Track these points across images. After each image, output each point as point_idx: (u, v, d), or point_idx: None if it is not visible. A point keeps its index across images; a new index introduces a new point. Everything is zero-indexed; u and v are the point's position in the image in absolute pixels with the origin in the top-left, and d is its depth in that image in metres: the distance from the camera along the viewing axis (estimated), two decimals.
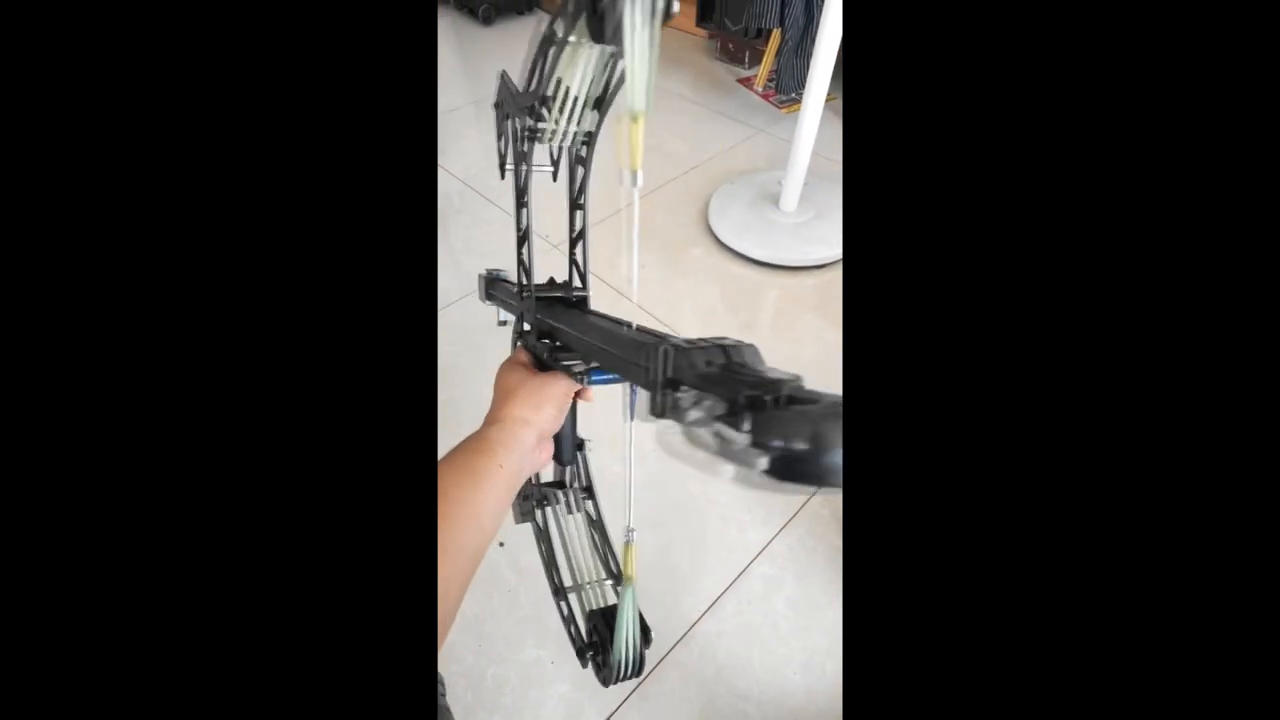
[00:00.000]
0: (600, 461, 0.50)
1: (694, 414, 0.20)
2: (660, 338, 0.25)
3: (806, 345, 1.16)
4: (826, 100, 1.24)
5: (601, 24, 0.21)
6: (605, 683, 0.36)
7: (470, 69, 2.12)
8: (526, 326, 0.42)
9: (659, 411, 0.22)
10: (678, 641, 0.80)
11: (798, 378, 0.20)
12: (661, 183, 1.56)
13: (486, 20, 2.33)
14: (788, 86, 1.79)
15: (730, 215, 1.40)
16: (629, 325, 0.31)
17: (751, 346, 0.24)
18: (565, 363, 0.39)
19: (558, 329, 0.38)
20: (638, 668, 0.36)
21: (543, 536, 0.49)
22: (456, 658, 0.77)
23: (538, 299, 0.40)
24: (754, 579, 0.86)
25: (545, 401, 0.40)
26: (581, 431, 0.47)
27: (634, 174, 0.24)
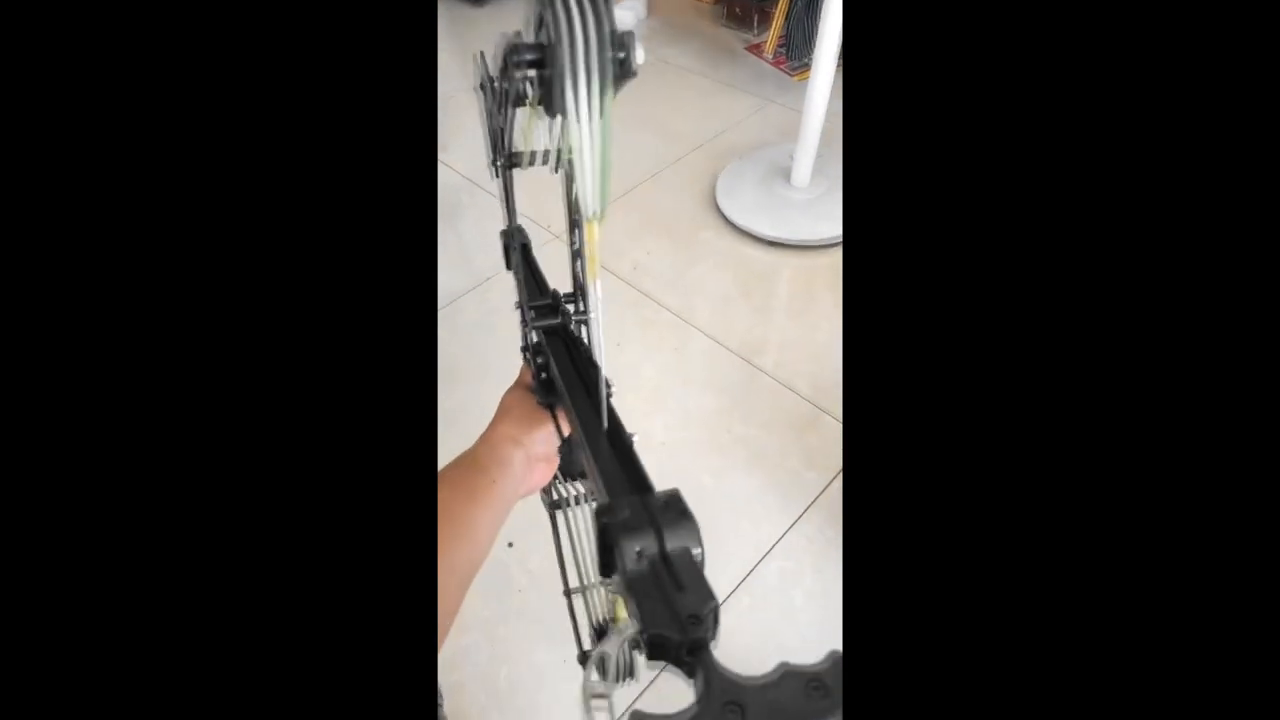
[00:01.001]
0: None
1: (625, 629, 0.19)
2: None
3: (822, 329, 1.12)
4: (839, 63, 1.17)
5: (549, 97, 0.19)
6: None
7: (464, 53, 2.07)
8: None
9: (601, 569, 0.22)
10: None
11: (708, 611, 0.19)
12: (665, 164, 1.51)
13: (477, 0, 2.22)
14: (800, 51, 1.70)
15: (740, 194, 1.35)
16: (598, 398, 0.30)
17: (691, 526, 0.22)
18: (548, 401, 0.38)
19: (549, 364, 0.36)
20: (629, 671, 0.36)
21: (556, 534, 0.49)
22: (471, 660, 0.78)
23: (534, 326, 0.38)
24: (770, 573, 0.84)
25: (536, 424, 0.39)
26: None
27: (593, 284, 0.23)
